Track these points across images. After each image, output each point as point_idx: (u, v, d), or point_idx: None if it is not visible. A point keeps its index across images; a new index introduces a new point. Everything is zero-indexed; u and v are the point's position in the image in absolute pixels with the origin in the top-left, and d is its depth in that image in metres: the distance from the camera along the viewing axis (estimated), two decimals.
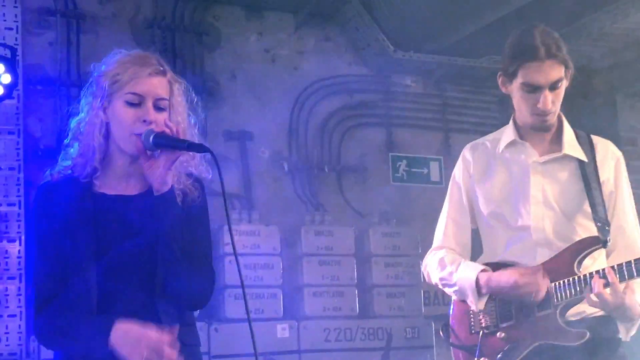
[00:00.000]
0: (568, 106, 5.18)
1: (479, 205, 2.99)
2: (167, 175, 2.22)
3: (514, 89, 2.85)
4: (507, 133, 2.98)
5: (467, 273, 2.90)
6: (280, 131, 6.19)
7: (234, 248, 2.18)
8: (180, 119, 2.33)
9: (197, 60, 5.91)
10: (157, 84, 2.28)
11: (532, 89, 2.77)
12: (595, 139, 2.96)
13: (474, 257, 3.10)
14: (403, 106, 6.76)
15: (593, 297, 2.68)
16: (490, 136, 3.09)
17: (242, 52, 6.17)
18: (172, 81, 2.34)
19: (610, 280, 2.64)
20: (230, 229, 2.21)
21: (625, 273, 2.64)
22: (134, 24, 5.80)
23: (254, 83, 6.16)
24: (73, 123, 2.35)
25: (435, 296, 6.45)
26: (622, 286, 2.67)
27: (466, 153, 3.07)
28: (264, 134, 6.11)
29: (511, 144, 2.95)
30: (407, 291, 5.98)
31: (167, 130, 2.21)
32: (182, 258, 2.21)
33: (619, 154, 2.97)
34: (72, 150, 2.33)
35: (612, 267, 2.67)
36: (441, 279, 3.00)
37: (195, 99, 2.43)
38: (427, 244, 6.13)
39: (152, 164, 2.24)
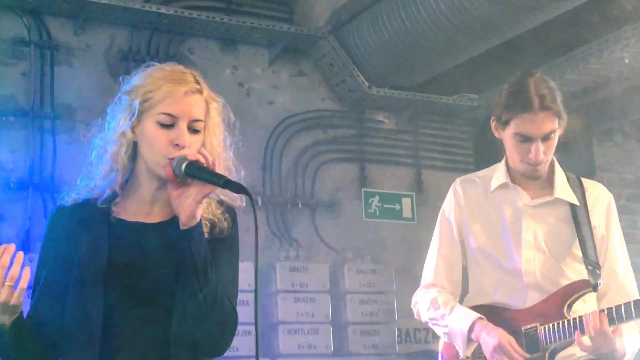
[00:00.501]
0: None
1: (468, 244, 2.97)
2: (197, 208, 2.00)
3: (507, 137, 2.84)
4: (499, 174, 2.97)
5: (461, 319, 2.86)
6: (254, 166, 6.15)
7: (256, 292, 2.02)
8: (216, 142, 2.14)
9: None
10: (192, 104, 2.08)
11: (524, 139, 2.77)
12: (586, 182, 2.97)
13: (463, 294, 3.07)
14: (376, 142, 6.77)
15: (585, 340, 2.67)
16: (481, 173, 3.08)
17: (216, 86, 5.97)
18: (209, 100, 2.14)
19: (600, 323, 2.63)
20: (256, 274, 2.00)
21: (615, 317, 2.64)
22: (108, 56, 5.73)
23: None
24: (97, 141, 2.14)
25: (407, 334, 6.42)
26: (610, 329, 2.66)
27: (457, 187, 3.04)
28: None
29: (502, 186, 2.95)
30: (382, 329, 5.93)
31: (202, 160, 1.99)
32: (203, 299, 2.01)
33: (610, 197, 2.97)
34: (94, 170, 2.12)
35: (602, 311, 2.67)
36: (432, 319, 2.97)
37: (233, 119, 2.25)
38: (401, 281, 6.20)
39: (182, 192, 2.01)
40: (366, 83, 6.36)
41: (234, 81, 6.23)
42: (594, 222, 2.88)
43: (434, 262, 3.04)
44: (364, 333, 5.83)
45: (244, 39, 6.24)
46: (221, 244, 2.13)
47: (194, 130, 2.08)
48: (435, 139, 7.01)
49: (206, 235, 2.08)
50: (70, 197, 2.13)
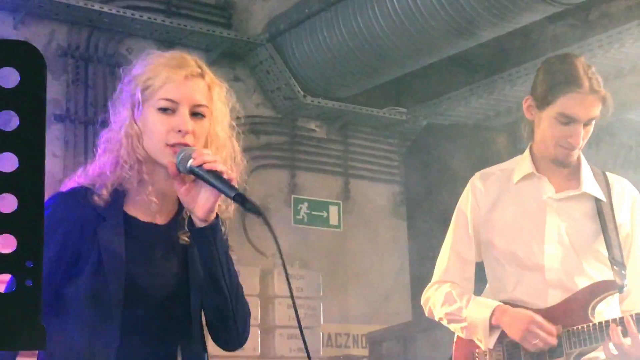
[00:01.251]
0: (471, 162, 5.49)
1: (487, 238, 2.81)
2: (215, 202, 1.90)
3: (544, 117, 2.67)
4: (523, 164, 2.79)
5: (481, 309, 2.72)
6: None
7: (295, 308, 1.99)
8: (220, 130, 2.04)
9: (109, 92, 5.85)
10: (194, 88, 1.98)
11: (567, 121, 2.62)
12: (611, 177, 2.81)
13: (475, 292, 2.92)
14: (307, 150, 6.92)
15: (612, 347, 2.54)
16: (501, 165, 2.90)
17: None
18: (212, 85, 2.03)
19: (629, 330, 2.50)
20: (289, 285, 1.98)
21: None
22: (47, 51, 5.70)
23: None
24: (103, 136, 2.04)
25: (329, 338, 6.57)
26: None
27: (476, 181, 2.86)
28: None
29: (527, 176, 2.77)
30: (308, 333, 6.04)
31: (207, 163, 1.87)
32: (228, 294, 1.98)
33: (636, 194, 2.81)
34: (104, 163, 2.00)
35: (631, 316, 2.53)
36: (447, 314, 2.79)
37: (238, 107, 2.15)
38: (327, 286, 6.33)
39: (192, 187, 1.90)
40: (301, 92, 6.49)
41: None
42: (619, 219, 2.72)
43: (447, 259, 2.86)
44: (290, 337, 5.96)
45: (182, 42, 6.29)
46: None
47: (197, 115, 1.98)
48: (364, 149, 7.19)
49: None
50: (80, 184, 2.01)
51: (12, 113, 1.17)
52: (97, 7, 5.66)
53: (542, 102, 2.65)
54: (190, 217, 1.95)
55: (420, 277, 5.72)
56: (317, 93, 6.62)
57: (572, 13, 5.91)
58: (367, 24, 5.76)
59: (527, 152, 2.80)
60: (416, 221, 6.08)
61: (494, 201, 2.81)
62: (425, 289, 2.89)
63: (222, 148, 2.02)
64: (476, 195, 2.83)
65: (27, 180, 1.20)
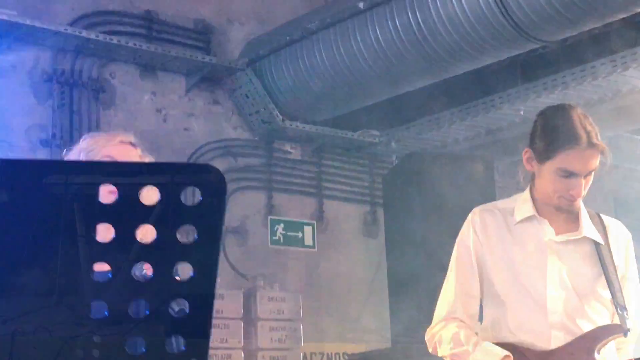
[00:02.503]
0: (452, 184, 5.63)
1: (489, 278, 2.82)
2: None
3: (545, 170, 2.73)
4: (524, 207, 2.83)
5: (488, 357, 2.70)
6: None
7: None
8: None
9: (93, 116, 5.93)
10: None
11: (567, 175, 2.68)
12: (606, 219, 2.89)
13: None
14: (283, 171, 7.04)
15: None
16: (499, 204, 2.93)
17: (135, 111, 6.23)
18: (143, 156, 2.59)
19: None
20: None
21: None
22: (33, 77, 5.73)
23: (145, 142, 6.19)
24: None
25: (305, 357, 6.70)
26: None
27: (475, 217, 2.87)
28: None
29: (528, 219, 2.81)
30: (288, 354, 6.19)
31: None
32: None
33: (629, 236, 2.89)
34: None
35: None
36: (453, 355, 2.78)
37: None
38: (303, 306, 6.44)
39: None
40: (280, 116, 6.61)
41: (152, 107, 6.34)
42: (616, 261, 2.80)
43: (453, 295, 2.85)
44: (272, 359, 6.07)
45: (164, 67, 6.37)
46: None
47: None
48: (337, 170, 7.34)
49: None
50: None
51: (192, 227, 1.28)
52: (84, 34, 5.71)
53: (542, 156, 2.72)
54: None
55: (399, 300, 5.90)
56: (295, 117, 6.75)
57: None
58: (349, 52, 5.91)
59: (527, 194, 2.84)
60: (395, 245, 6.24)
61: (493, 240, 2.83)
62: (431, 326, 2.89)
63: None
64: (477, 231, 2.84)
65: (199, 289, 1.31)
